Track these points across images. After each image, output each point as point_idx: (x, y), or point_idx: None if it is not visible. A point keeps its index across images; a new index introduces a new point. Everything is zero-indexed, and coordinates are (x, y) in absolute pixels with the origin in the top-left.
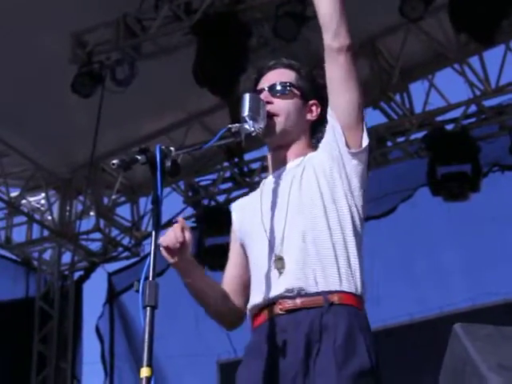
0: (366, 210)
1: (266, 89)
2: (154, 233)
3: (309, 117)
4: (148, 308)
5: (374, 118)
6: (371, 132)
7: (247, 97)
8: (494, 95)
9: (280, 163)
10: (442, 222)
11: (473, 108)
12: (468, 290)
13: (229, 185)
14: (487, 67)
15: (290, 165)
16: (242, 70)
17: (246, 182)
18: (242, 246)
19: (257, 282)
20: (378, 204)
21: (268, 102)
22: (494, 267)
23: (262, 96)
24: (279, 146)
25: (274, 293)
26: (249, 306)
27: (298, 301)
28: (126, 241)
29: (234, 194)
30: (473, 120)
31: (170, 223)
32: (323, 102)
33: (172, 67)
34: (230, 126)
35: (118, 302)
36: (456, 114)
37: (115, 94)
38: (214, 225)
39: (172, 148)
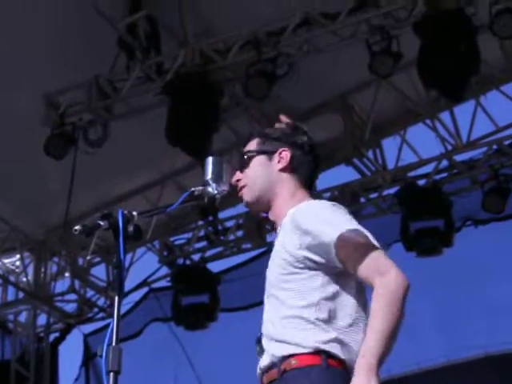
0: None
1: (238, 167)
2: (116, 298)
3: (279, 166)
4: (111, 373)
5: (347, 174)
6: (344, 188)
7: (210, 160)
8: (465, 150)
9: (274, 228)
10: (416, 278)
11: (444, 163)
12: (445, 345)
13: (203, 243)
14: (458, 122)
15: (278, 232)
16: (215, 128)
17: (221, 240)
18: None
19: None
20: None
21: (237, 180)
22: (470, 321)
23: (234, 176)
24: (263, 212)
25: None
26: None
27: (266, 377)
28: (101, 301)
29: (209, 252)
30: (445, 175)
31: (145, 282)
32: (292, 144)
33: (145, 127)
34: (192, 189)
35: (94, 363)
36: (428, 169)
37: (88, 155)
38: (189, 284)
39: (134, 212)
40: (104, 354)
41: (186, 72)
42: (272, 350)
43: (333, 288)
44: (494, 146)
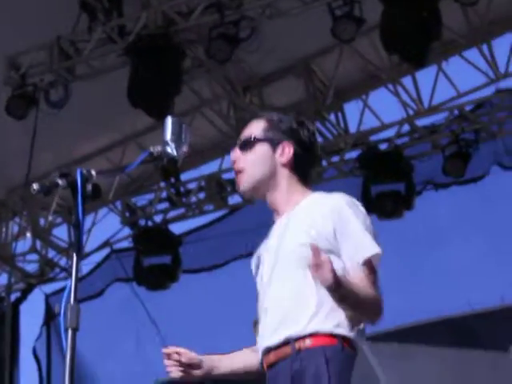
0: None
1: (236, 147)
2: (75, 257)
3: (282, 160)
4: (69, 330)
5: None
6: None
7: (169, 120)
8: (426, 114)
9: (276, 211)
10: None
11: (406, 127)
12: (403, 308)
13: (165, 205)
14: (420, 87)
15: (283, 218)
16: (177, 90)
17: (183, 202)
18: None
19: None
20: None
21: (234, 162)
22: (426, 284)
23: (232, 154)
24: (260, 197)
25: (260, 353)
26: None
27: (274, 354)
28: (63, 262)
29: (171, 214)
30: (406, 139)
31: (107, 243)
32: (298, 141)
33: (106, 88)
34: (151, 149)
35: (56, 323)
36: (390, 133)
37: (50, 115)
38: (151, 245)
39: (93, 172)
40: (62, 312)
41: (149, 34)
42: (286, 329)
43: None
44: (456, 112)
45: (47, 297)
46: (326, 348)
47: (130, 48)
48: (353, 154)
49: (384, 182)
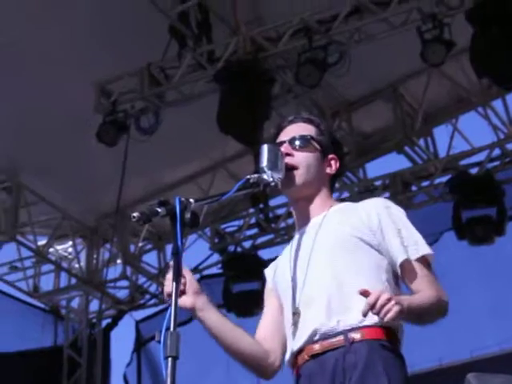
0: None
1: (287, 141)
2: (174, 284)
3: (328, 170)
4: (169, 359)
5: (399, 162)
6: (395, 176)
7: (265, 147)
8: None
9: (305, 217)
10: (469, 266)
11: (497, 151)
12: (497, 334)
13: (254, 231)
14: (510, 110)
15: (314, 219)
16: (266, 116)
17: (272, 227)
18: (280, 305)
19: (288, 338)
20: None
21: (288, 154)
22: None
23: (282, 148)
24: (299, 199)
25: (298, 344)
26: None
27: (321, 345)
28: (153, 288)
29: (260, 239)
30: (497, 163)
31: (196, 269)
32: (341, 157)
33: (196, 115)
34: (248, 176)
35: (146, 350)
36: (480, 157)
37: (140, 142)
38: (240, 271)
39: (191, 199)
40: (162, 340)
41: (238, 60)
42: (338, 317)
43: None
44: None
45: (137, 323)
46: (382, 342)
47: (220, 74)
48: (443, 179)
49: (475, 207)
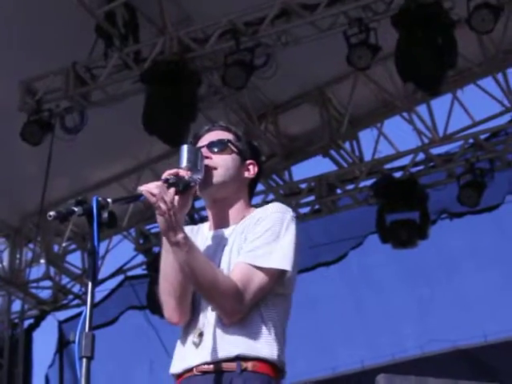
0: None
1: (205, 146)
2: (90, 284)
3: (246, 175)
4: (84, 359)
5: (324, 165)
6: (321, 179)
7: (185, 148)
8: (441, 143)
9: (221, 220)
10: (392, 269)
11: (421, 156)
12: (418, 336)
13: None
14: (435, 115)
15: (228, 229)
16: (192, 117)
17: None
18: None
19: (182, 348)
20: (328, 251)
21: (207, 157)
22: (442, 314)
23: (203, 150)
24: (216, 200)
25: (191, 363)
26: (172, 369)
27: (212, 366)
28: (76, 288)
29: None
30: (421, 168)
31: (121, 270)
32: (258, 163)
33: (122, 115)
34: (167, 177)
35: (69, 350)
36: (404, 161)
37: (65, 141)
38: None
39: (109, 199)
40: (77, 340)
41: (164, 60)
42: (233, 343)
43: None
44: (471, 140)
45: (60, 324)
46: (268, 377)
47: (146, 74)
48: (367, 183)
49: (399, 211)
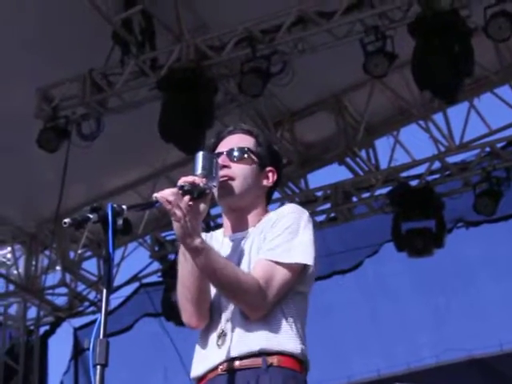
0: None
1: (225, 153)
2: (104, 291)
3: (265, 183)
4: (98, 366)
5: (340, 173)
6: (337, 187)
7: (200, 155)
8: (457, 151)
9: (238, 226)
10: (407, 278)
11: (437, 164)
12: (433, 346)
13: None
14: (451, 123)
15: (244, 232)
16: (208, 125)
17: None
18: None
19: (203, 350)
20: (343, 259)
21: (225, 166)
22: (458, 323)
23: (220, 160)
24: (234, 210)
25: (215, 362)
26: (194, 372)
27: (238, 362)
28: (92, 295)
29: None
30: (437, 176)
31: (136, 277)
32: (278, 169)
33: (138, 122)
34: (182, 184)
35: (84, 357)
36: (420, 170)
37: (81, 148)
38: None
39: (124, 206)
40: (91, 347)
41: (181, 67)
42: (256, 340)
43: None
44: (487, 149)
45: (75, 330)
46: (294, 371)
47: (162, 82)
48: (383, 191)
49: (414, 219)
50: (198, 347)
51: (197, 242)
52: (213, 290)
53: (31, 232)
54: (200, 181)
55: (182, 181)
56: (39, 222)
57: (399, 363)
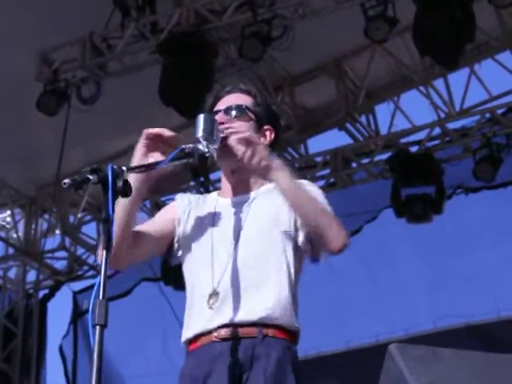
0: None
1: (222, 111)
2: (104, 252)
3: (262, 141)
4: (97, 327)
5: (340, 138)
6: (336, 153)
7: (201, 117)
8: (458, 117)
9: (238, 189)
10: (406, 244)
11: (437, 130)
12: (431, 312)
13: None
14: (452, 90)
15: (247, 195)
16: (208, 89)
17: None
18: (172, 232)
19: (193, 311)
20: (342, 224)
21: (222, 123)
22: (456, 290)
23: (218, 117)
24: (234, 170)
25: (210, 324)
26: (185, 335)
27: (234, 330)
28: (91, 259)
29: None
30: (437, 142)
31: None
32: (276, 128)
33: (138, 86)
34: (183, 146)
35: (83, 321)
36: (420, 136)
37: (81, 112)
38: None
39: (124, 168)
40: (91, 308)
41: (181, 31)
42: (253, 308)
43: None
44: (487, 115)
45: (75, 294)
46: (290, 344)
47: (162, 45)
48: (383, 156)
49: (414, 185)
50: (187, 309)
51: (277, 161)
52: (203, 244)
53: (31, 195)
54: (167, 133)
55: (147, 133)
56: (39, 186)
57: (397, 329)
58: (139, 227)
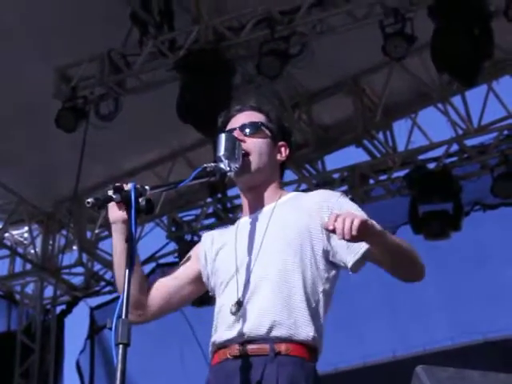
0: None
1: (237, 128)
2: (127, 271)
3: (278, 157)
4: (120, 345)
5: (357, 155)
6: (354, 169)
7: (223, 137)
8: (475, 134)
9: (256, 204)
10: (424, 261)
11: (455, 147)
12: (449, 328)
13: (212, 220)
14: (470, 106)
15: (266, 207)
16: (226, 106)
17: (229, 217)
18: (199, 276)
19: (220, 321)
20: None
21: (239, 140)
22: (474, 306)
23: (236, 132)
24: (252, 187)
25: (227, 336)
26: (211, 341)
27: (245, 347)
28: (108, 275)
29: None
30: (455, 159)
31: (153, 257)
32: (290, 145)
33: (156, 103)
34: (205, 165)
35: (100, 337)
36: (438, 152)
37: (99, 129)
38: None
39: (147, 187)
40: (113, 327)
41: (199, 49)
42: (271, 323)
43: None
44: (505, 132)
45: (92, 310)
46: (306, 361)
47: (180, 63)
48: (401, 173)
49: (432, 202)
50: (215, 312)
51: (373, 222)
52: (225, 255)
53: (48, 211)
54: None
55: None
56: (56, 202)
57: (415, 345)
58: (158, 285)
